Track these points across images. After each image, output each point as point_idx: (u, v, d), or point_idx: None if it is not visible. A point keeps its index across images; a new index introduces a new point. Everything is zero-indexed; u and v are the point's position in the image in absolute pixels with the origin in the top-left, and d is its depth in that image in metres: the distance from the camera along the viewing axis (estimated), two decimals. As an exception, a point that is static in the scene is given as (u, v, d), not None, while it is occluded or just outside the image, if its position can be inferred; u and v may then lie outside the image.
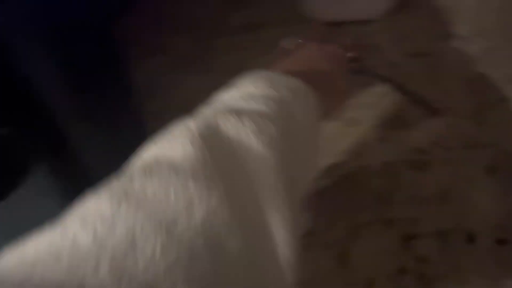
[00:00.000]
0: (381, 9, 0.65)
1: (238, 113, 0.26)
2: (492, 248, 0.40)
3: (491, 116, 0.51)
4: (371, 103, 0.54)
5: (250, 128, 0.25)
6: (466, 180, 0.45)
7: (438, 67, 0.58)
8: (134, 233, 0.18)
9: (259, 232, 0.23)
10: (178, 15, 0.74)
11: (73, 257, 0.17)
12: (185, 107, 0.58)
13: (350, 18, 0.66)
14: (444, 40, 0.61)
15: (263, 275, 0.23)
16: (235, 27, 0.70)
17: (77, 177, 0.39)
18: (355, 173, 0.47)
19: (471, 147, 0.48)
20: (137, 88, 0.56)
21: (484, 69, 0.56)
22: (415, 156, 0.48)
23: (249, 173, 0.24)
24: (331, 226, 0.44)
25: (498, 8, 0.65)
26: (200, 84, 0.61)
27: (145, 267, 0.18)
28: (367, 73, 0.57)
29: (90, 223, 0.19)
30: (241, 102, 0.28)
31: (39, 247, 0.18)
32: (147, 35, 0.71)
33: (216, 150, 0.24)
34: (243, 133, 0.25)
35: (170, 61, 0.66)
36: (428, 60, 0.59)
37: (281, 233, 0.24)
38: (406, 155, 0.48)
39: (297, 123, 0.29)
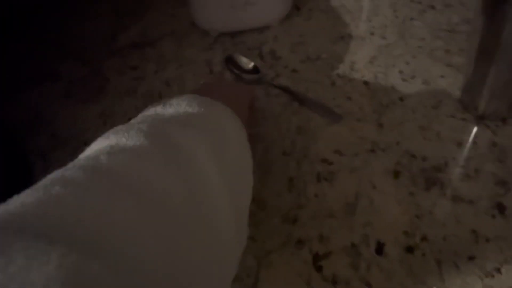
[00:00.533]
0: (276, 15, 0.63)
1: (182, 124, 0.31)
2: (401, 257, 0.39)
3: (390, 117, 0.50)
4: (273, 115, 0.52)
5: (193, 137, 0.30)
6: (371, 186, 0.44)
7: (336, 69, 0.57)
8: None
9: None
10: (65, 40, 0.67)
11: None
12: (75, 139, 0.53)
13: (246, 27, 0.63)
14: (339, 41, 0.61)
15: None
16: (123, 46, 0.65)
17: None
18: (259, 193, 0.45)
19: (374, 151, 0.47)
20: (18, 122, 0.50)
21: (382, 69, 0.56)
22: (321, 167, 0.46)
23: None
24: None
25: (391, 5, 0.66)
26: (92, 111, 0.56)
27: None
28: (266, 83, 0.55)
29: None
30: (181, 118, 0.32)
31: None
32: (30, 62, 0.64)
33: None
34: (189, 141, 0.29)
35: (59, 88, 0.60)
36: (326, 63, 0.58)
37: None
38: (311, 167, 0.46)
39: (230, 138, 0.33)
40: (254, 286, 0.39)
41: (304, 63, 0.58)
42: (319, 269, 0.39)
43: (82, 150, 0.30)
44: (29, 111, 0.58)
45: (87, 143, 0.52)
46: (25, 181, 0.48)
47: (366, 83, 0.55)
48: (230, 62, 0.58)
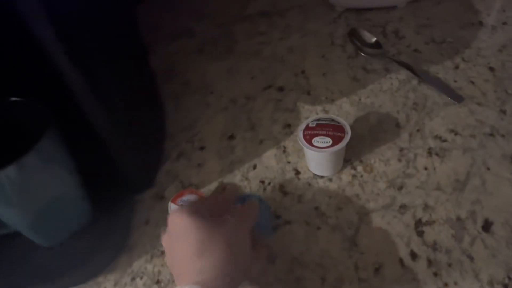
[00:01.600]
0: (405, -5, 0.63)
1: None
2: (509, 238, 0.38)
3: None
4: (391, 90, 0.53)
5: None
6: (485, 168, 0.44)
7: (461, 54, 0.56)
8: None
9: None
10: (202, 3, 0.74)
11: None
12: (203, 88, 0.58)
13: (372, 5, 0.64)
14: (469, 27, 0.59)
15: None
16: (254, 13, 0.70)
17: (88, 148, 0.40)
18: (368, 157, 0.46)
19: (492, 135, 0.46)
20: (154, 70, 0.56)
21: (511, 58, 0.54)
22: (433, 143, 0.47)
23: None
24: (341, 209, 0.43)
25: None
26: (220, 67, 0.62)
27: None
28: (387, 59, 0.56)
29: None
30: None
31: None
32: (170, 20, 0.72)
33: None
34: None
35: (192, 45, 0.66)
36: (451, 47, 0.57)
37: None
38: (424, 141, 0.47)
39: None
40: (353, 237, 0.41)
41: (428, 45, 0.58)
42: (420, 233, 0.40)
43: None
44: (166, 61, 0.65)
45: (213, 92, 0.58)
46: (160, 116, 0.55)
47: (492, 69, 0.53)
48: (353, 35, 0.60)
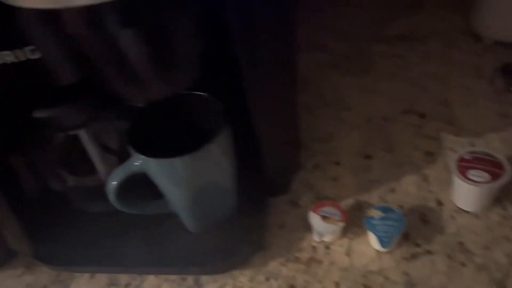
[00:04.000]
0: None
1: None
2: None
3: None
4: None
5: None
6: None
7: None
8: None
9: None
10: (338, 20, 0.75)
11: None
12: (337, 103, 0.59)
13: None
14: None
15: None
16: (391, 35, 0.69)
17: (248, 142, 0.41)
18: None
19: None
20: (296, 79, 0.58)
21: None
22: None
23: None
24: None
25: None
26: (354, 84, 0.62)
27: None
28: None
29: None
30: None
31: None
32: (304, 33, 0.73)
33: None
34: None
35: (328, 60, 0.67)
36: None
37: None
38: None
39: None
40: (502, 281, 0.39)
41: None
42: None
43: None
44: (299, 73, 0.66)
45: (348, 108, 0.59)
46: (296, 123, 0.56)
47: None
48: (506, 70, 0.57)
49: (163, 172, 0.37)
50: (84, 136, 0.41)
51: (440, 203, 0.45)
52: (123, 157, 0.39)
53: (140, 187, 0.40)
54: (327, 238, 0.43)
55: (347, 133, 0.55)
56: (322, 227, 0.42)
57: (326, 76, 0.65)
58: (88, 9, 0.25)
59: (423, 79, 0.61)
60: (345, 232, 0.44)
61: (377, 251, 0.42)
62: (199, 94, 0.39)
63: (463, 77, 0.60)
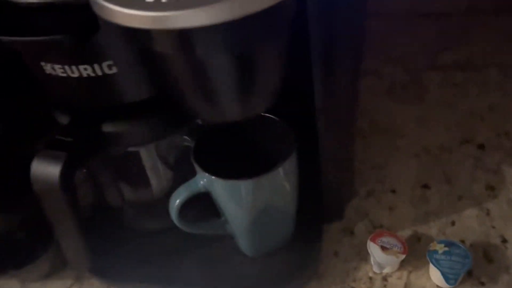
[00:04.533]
0: None
1: None
2: None
3: None
4: None
5: None
6: None
7: None
8: None
9: None
10: (391, 46, 0.74)
11: None
12: (392, 130, 0.58)
13: None
14: None
15: None
16: (447, 64, 0.68)
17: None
18: None
19: None
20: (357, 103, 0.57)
21: None
22: None
23: None
24: None
25: None
26: (409, 111, 0.61)
27: None
28: None
29: None
30: None
31: None
32: (359, 61, 0.73)
33: None
34: None
35: (380, 86, 0.66)
36: None
37: None
38: None
39: None
40: None
41: None
42: None
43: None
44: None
45: (403, 136, 0.58)
46: (351, 148, 0.55)
47: None
48: None
49: (227, 193, 0.37)
50: (144, 152, 0.42)
51: (504, 240, 0.44)
52: (182, 175, 0.40)
53: (201, 206, 0.40)
54: (386, 270, 0.42)
55: (402, 162, 0.54)
56: (382, 259, 0.41)
57: (379, 103, 0.64)
58: (182, 30, 0.25)
59: (481, 110, 0.59)
60: (403, 264, 0.43)
61: (438, 286, 0.41)
62: (270, 116, 0.39)
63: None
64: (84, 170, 0.44)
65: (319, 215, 0.47)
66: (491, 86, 0.63)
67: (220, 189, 0.37)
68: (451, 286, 0.39)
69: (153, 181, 0.45)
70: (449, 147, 0.54)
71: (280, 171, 0.36)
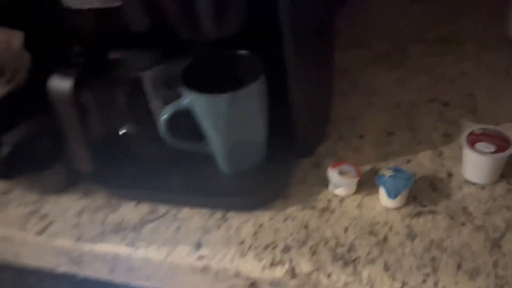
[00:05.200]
0: None
1: None
2: None
3: None
4: None
5: None
6: None
7: None
8: None
9: None
10: (381, 20, 0.81)
11: None
12: (370, 90, 0.64)
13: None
14: None
15: None
16: (431, 38, 0.74)
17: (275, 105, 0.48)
18: None
19: None
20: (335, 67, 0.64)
21: None
22: None
23: None
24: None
25: None
26: (388, 76, 0.67)
27: None
28: None
29: None
30: None
31: None
32: (352, 31, 0.80)
33: None
34: None
35: (367, 55, 0.73)
36: None
37: None
38: None
39: None
40: (497, 240, 0.42)
41: None
42: None
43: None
44: (340, 65, 0.73)
45: (379, 95, 0.63)
46: (329, 101, 0.62)
47: None
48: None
49: (206, 108, 0.45)
50: (147, 77, 0.50)
51: (450, 175, 0.50)
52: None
53: (186, 129, 0.48)
54: (341, 191, 0.49)
55: (374, 115, 0.60)
56: (337, 180, 0.48)
57: (363, 69, 0.71)
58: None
59: (454, 75, 0.65)
60: (359, 190, 0.49)
61: (386, 207, 0.47)
62: (243, 51, 0.46)
63: (492, 76, 0.63)
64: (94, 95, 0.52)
65: (292, 151, 0.54)
66: (467, 57, 0.68)
67: (201, 105, 0.45)
68: (392, 200, 0.46)
69: (154, 108, 0.52)
70: (418, 103, 0.61)
71: (251, 89, 0.43)
